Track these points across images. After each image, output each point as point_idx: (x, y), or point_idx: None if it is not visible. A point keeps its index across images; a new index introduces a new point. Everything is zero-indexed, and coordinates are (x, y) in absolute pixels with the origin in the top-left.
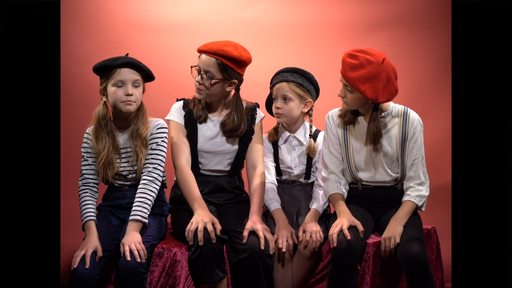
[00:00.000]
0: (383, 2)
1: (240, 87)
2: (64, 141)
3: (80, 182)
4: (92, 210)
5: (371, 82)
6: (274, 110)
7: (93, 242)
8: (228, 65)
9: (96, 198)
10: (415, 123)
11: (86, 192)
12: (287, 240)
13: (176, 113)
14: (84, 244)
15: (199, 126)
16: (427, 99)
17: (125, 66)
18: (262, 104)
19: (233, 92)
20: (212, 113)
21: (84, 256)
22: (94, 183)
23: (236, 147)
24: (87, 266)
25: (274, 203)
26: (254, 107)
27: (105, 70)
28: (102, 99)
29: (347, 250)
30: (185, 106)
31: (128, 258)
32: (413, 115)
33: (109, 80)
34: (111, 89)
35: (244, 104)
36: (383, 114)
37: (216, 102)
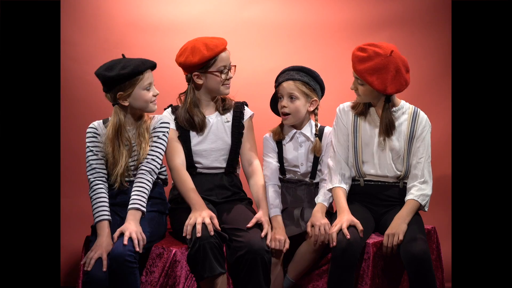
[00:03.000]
0: (383, 2)
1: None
2: (64, 141)
3: (91, 176)
4: (107, 208)
5: (379, 73)
6: (280, 109)
7: (108, 244)
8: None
9: (108, 194)
10: (423, 122)
11: (101, 188)
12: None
13: (168, 116)
14: (98, 245)
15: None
16: (427, 99)
17: (154, 68)
18: (260, 103)
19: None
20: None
21: (95, 258)
22: (106, 178)
23: (228, 141)
24: (104, 269)
25: (274, 209)
26: (241, 104)
27: (133, 76)
28: (116, 106)
29: (346, 249)
30: (173, 112)
31: (125, 242)
32: (423, 114)
33: (136, 84)
34: (140, 93)
35: (232, 103)
36: (393, 109)
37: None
